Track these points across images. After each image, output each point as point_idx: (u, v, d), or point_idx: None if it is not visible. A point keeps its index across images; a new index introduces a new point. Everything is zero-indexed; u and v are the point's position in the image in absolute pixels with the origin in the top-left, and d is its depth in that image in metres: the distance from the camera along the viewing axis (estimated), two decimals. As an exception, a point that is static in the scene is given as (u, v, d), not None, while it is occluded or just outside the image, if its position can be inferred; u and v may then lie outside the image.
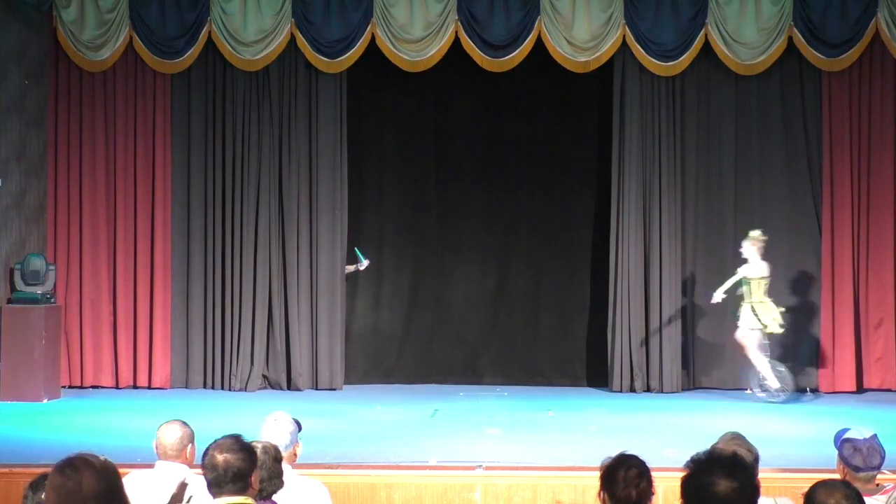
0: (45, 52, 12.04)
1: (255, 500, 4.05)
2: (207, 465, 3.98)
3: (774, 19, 11.71)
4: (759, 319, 11.26)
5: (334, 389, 12.08)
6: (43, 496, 3.48)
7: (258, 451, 4.48)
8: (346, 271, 12.28)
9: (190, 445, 5.04)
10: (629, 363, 12.03)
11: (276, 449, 4.72)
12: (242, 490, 3.97)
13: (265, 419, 5.23)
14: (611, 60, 11.97)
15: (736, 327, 11.40)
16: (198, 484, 4.34)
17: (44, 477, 3.55)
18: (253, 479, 4.02)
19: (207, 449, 4.03)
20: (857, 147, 12.03)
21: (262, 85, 12.19)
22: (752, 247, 11.33)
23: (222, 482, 3.95)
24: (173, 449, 5.00)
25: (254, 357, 12.08)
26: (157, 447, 5.07)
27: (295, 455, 5.20)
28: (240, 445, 4.02)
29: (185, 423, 5.12)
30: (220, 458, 3.96)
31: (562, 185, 12.70)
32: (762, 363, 11.32)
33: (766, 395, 11.31)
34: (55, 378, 11.41)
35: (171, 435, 5.02)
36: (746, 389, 11.69)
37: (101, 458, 3.45)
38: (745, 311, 11.30)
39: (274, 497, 4.51)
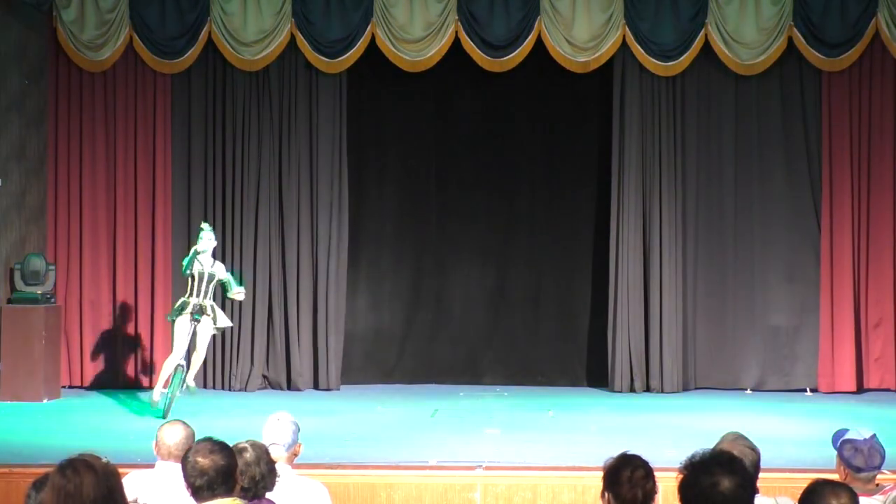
0: (45, 52, 12.04)
1: (245, 501, 4.03)
2: (194, 472, 3.91)
3: (774, 19, 11.71)
4: (225, 318, 10.75)
5: (334, 389, 12.08)
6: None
7: (249, 449, 4.46)
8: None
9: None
10: (629, 363, 12.03)
11: (264, 446, 4.72)
12: (232, 489, 3.95)
13: (267, 419, 5.23)
14: (611, 60, 11.97)
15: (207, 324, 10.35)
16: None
17: (47, 476, 3.56)
18: (237, 476, 4.01)
19: (188, 455, 3.98)
20: (857, 147, 12.03)
21: (262, 85, 12.19)
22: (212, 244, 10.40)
23: (215, 484, 3.90)
24: (177, 449, 4.97)
25: (254, 357, 12.09)
26: (158, 448, 5.05)
27: (295, 455, 5.20)
28: (219, 446, 3.99)
29: (186, 424, 5.12)
30: (206, 461, 3.90)
31: (562, 185, 12.70)
32: (201, 361, 10.63)
33: (180, 392, 10.25)
34: (55, 378, 11.41)
35: (174, 435, 5.00)
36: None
37: (103, 460, 3.45)
38: (218, 309, 10.56)
39: (273, 497, 4.50)
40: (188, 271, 10.16)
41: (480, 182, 12.75)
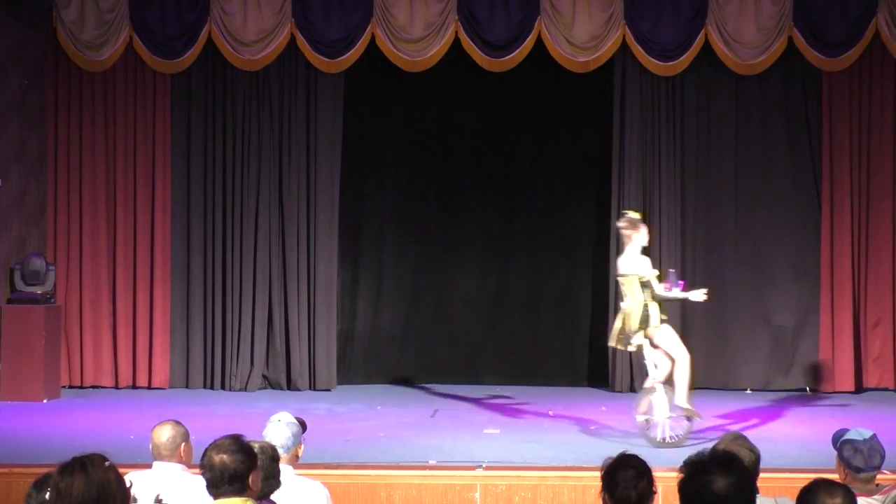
0: (45, 52, 12.03)
1: (254, 501, 4.05)
2: (205, 466, 3.99)
3: (774, 19, 11.71)
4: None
5: (334, 390, 12.07)
6: (46, 496, 3.53)
7: (255, 451, 4.47)
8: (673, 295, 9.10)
9: (183, 444, 5.09)
10: (629, 363, 12.03)
11: (272, 448, 4.73)
12: (240, 491, 3.97)
13: (268, 419, 5.24)
14: (611, 60, 11.97)
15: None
16: (197, 483, 4.36)
17: (47, 476, 3.58)
18: (251, 480, 4.02)
19: (207, 449, 4.04)
20: (857, 147, 12.04)
21: (262, 85, 12.19)
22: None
23: (219, 483, 3.96)
24: (166, 448, 5.06)
25: (254, 357, 12.08)
26: (152, 448, 5.12)
27: (297, 456, 5.20)
28: (238, 446, 4.01)
29: (177, 423, 5.18)
30: (217, 459, 3.96)
31: (562, 184, 12.69)
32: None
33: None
34: (55, 378, 11.41)
35: (163, 435, 5.09)
36: (746, 389, 11.72)
37: (106, 464, 3.46)
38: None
39: (273, 497, 4.51)
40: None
41: (480, 182, 12.75)
